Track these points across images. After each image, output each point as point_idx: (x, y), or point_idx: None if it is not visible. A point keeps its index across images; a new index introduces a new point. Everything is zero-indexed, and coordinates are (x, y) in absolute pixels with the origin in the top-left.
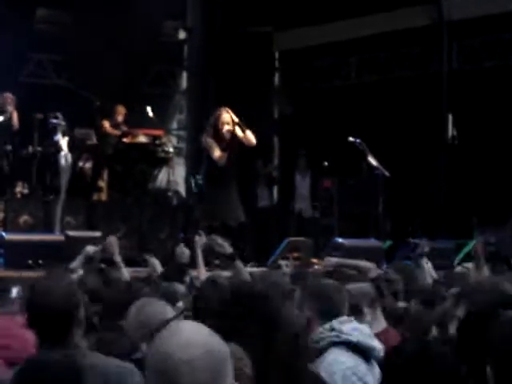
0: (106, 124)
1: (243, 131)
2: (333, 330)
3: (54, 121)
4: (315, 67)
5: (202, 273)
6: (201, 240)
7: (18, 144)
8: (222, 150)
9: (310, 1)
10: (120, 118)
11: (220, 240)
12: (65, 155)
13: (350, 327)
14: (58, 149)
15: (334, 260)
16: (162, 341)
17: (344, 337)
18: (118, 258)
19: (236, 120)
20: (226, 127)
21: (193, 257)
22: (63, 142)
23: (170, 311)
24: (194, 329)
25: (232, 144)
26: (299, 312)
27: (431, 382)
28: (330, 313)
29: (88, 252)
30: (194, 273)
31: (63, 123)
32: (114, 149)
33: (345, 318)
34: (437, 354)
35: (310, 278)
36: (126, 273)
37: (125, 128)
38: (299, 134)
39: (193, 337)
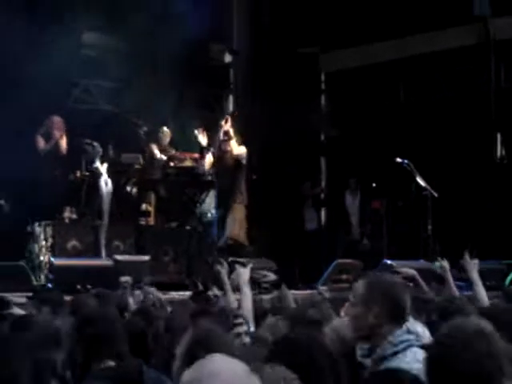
0: (154, 148)
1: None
2: (410, 332)
3: (92, 150)
4: (362, 88)
5: (232, 300)
6: (224, 268)
7: (66, 169)
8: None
9: (356, 21)
10: (167, 142)
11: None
12: (105, 180)
13: (420, 329)
14: (98, 175)
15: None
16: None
17: (421, 339)
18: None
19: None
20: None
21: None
22: (102, 168)
23: None
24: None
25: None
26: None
27: None
28: (400, 313)
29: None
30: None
31: (100, 150)
32: (161, 173)
33: (411, 319)
34: None
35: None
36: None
37: (172, 152)
38: (347, 155)
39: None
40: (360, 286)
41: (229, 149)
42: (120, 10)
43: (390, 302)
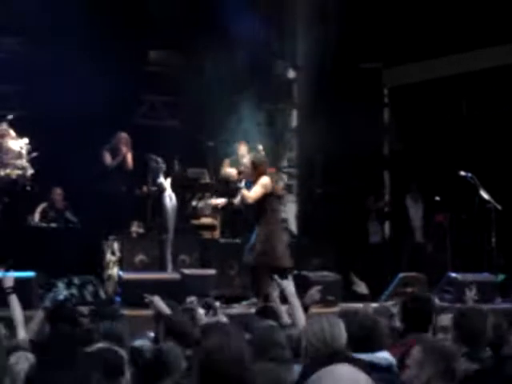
0: (226, 162)
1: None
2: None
3: (156, 165)
4: (425, 102)
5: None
6: (289, 285)
7: (133, 184)
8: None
9: (419, 36)
10: (242, 156)
11: (358, 280)
12: (169, 195)
13: None
14: (162, 190)
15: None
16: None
17: None
18: None
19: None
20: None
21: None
22: (166, 182)
23: None
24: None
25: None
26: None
27: None
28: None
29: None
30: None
31: (163, 165)
32: (228, 188)
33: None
34: None
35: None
36: None
37: (241, 167)
38: (410, 168)
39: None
40: (416, 350)
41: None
42: (184, 26)
43: (443, 365)
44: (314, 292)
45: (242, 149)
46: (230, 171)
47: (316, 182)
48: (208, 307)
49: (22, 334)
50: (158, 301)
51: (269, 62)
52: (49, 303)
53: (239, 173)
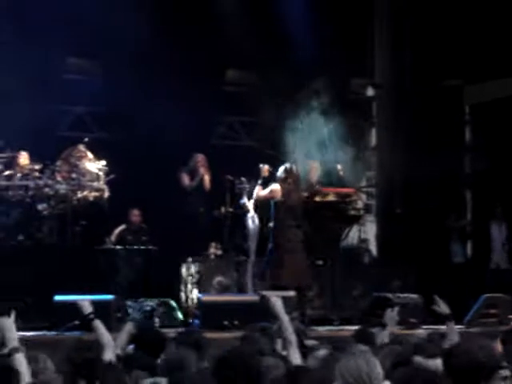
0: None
1: None
2: None
3: (240, 185)
4: (507, 119)
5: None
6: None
7: (211, 205)
8: None
9: (500, 53)
10: (313, 177)
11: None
12: (251, 217)
13: None
14: (245, 211)
15: None
16: None
17: None
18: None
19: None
20: None
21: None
22: (249, 204)
23: None
24: None
25: None
26: None
27: None
28: None
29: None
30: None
31: (247, 186)
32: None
33: None
34: None
35: None
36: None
37: (317, 186)
38: (493, 187)
39: None
40: None
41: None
42: (262, 47)
43: None
44: (394, 313)
45: (315, 167)
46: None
47: (396, 202)
48: (297, 333)
49: (110, 356)
50: (277, 301)
51: (348, 81)
52: (136, 316)
53: (313, 193)
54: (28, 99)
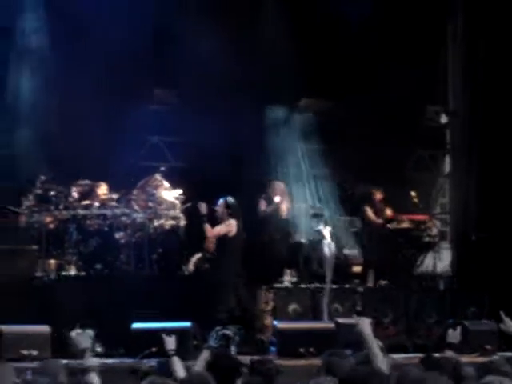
0: (369, 211)
1: None
2: None
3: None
4: None
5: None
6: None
7: (287, 232)
8: None
9: None
10: (380, 204)
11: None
12: (328, 244)
13: None
14: (322, 238)
15: None
16: None
17: None
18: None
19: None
20: None
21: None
22: (325, 231)
23: None
24: None
25: None
26: None
27: None
28: None
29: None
30: None
31: (324, 214)
32: (378, 235)
33: None
34: None
35: None
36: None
37: (388, 211)
38: None
39: None
40: None
41: None
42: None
43: None
44: (456, 332)
45: (379, 196)
46: (371, 216)
47: (470, 229)
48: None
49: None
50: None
51: (421, 108)
52: (213, 344)
53: (387, 220)
54: (104, 129)
